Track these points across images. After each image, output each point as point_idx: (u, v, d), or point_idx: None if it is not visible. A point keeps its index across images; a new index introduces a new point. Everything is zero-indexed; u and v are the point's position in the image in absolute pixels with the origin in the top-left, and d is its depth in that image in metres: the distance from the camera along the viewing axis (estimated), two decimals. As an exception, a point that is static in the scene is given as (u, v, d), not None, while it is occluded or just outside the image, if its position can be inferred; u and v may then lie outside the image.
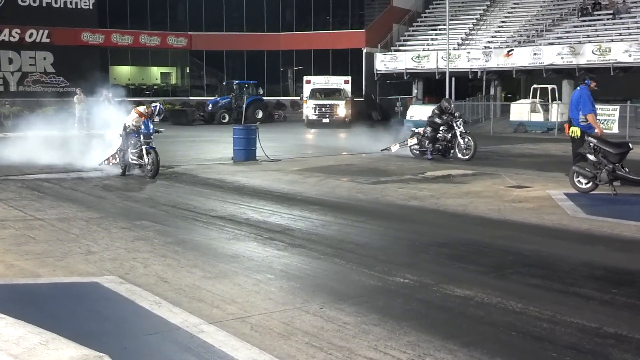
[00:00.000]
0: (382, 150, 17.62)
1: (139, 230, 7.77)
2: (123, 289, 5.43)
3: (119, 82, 38.44)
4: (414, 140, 16.75)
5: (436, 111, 16.36)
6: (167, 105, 37.40)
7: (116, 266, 6.15)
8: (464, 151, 15.82)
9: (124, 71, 40.38)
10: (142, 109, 13.33)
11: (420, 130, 16.84)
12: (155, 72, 41.84)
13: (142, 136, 12.84)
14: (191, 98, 39.04)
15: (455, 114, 16.33)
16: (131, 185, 11.98)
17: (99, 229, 7.89)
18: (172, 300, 5.12)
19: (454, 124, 15.97)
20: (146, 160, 12.76)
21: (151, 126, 13.01)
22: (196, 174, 13.34)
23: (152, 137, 12.94)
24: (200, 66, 41.18)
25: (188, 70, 42.03)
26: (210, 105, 34.35)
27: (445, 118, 16.08)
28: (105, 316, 4.81)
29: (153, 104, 13.64)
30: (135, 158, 13.05)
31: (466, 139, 15.92)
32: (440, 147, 16.17)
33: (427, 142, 16.27)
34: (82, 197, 10.51)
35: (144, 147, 12.80)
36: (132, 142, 13.09)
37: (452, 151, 16.10)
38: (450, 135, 16.04)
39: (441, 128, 16.09)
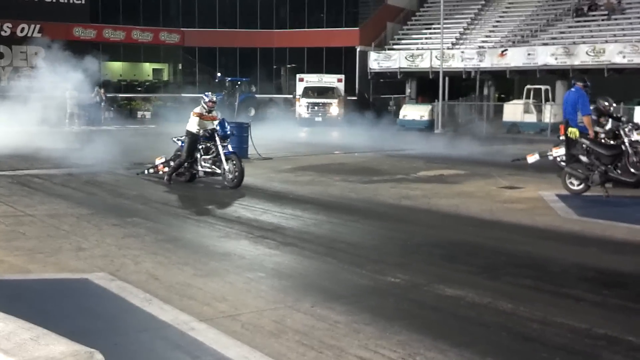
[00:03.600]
0: (513, 160, 14.57)
1: (130, 227, 7.73)
2: (113, 285, 5.40)
3: (111, 78, 38.28)
4: (561, 151, 12.85)
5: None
6: (159, 102, 37.34)
7: (107, 263, 6.12)
8: (638, 164, 10.85)
9: (115, 67, 40.19)
10: (199, 109, 11.52)
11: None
12: (148, 68, 41.68)
13: (218, 139, 11.11)
14: (183, 95, 38.94)
15: (622, 117, 12.38)
16: (122, 182, 11.92)
17: (90, 225, 7.84)
18: (162, 297, 5.09)
19: (621, 131, 11.10)
20: (226, 167, 10.90)
21: (228, 127, 11.35)
22: (188, 171, 13.26)
23: (229, 139, 11.33)
24: (192, 63, 41.05)
25: (180, 67, 41.90)
26: (203, 103, 34.25)
27: (603, 122, 12.14)
28: (95, 313, 4.78)
29: (206, 95, 11.71)
30: (208, 166, 11.28)
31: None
32: None
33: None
34: (73, 193, 10.45)
35: (222, 153, 11.00)
36: (203, 147, 11.32)
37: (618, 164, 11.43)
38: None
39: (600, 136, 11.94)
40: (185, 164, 11.42)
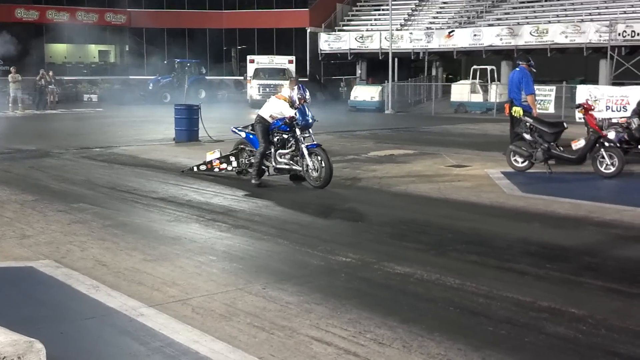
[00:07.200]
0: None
1: (76, 213, 7.56)
2: (59, 273, 5.28)
3: (55, 60, 37.15)
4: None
5: None
6: (106, 85, 36.45)
7: (52, 250, 5.98)
8: None
9: (60, 49, 38.99)
10: (287, 93, 9.89)
11: (621, 120, 11.82)
12: (93, 50, 40.61)
13: (297, 130, 9.39)
14: (131, 77, 38.08)
15: None
16: (68, 166, 11.62)
17: (34, 212, 7.64)
18: (110, 284, 5.02)
19: None
20: (309, 164, 9.19)
21: (310, 114, 9.41)
22: (136, 155, 13.05)
23: (310, 129, 9.51)
24: (140, 44, 40.17)
25: (127, 49, 40.94)
26: (151, 85, 33.61)
27: None
28: (40, 301, 4.68)
29: (301, 87, 9.81)
30: (285, 162, 9.53)
31: None
32: None
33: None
34: (16, 179, 10.14)
35: (303, 146, 9.24)
36: (278, 138, 9.61)
37: None
38: None
39: None
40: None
